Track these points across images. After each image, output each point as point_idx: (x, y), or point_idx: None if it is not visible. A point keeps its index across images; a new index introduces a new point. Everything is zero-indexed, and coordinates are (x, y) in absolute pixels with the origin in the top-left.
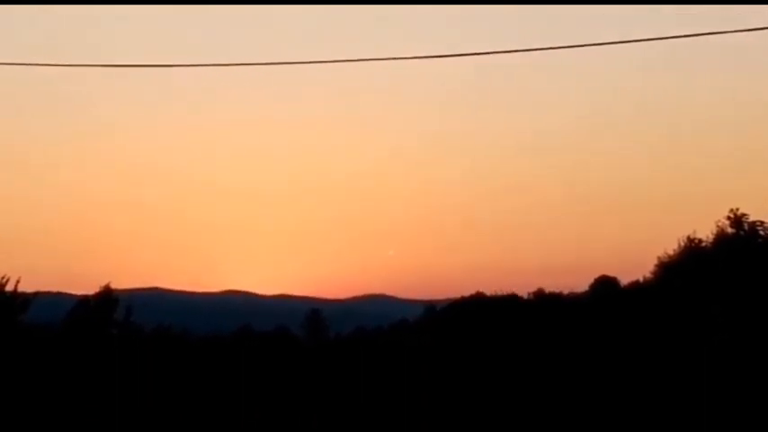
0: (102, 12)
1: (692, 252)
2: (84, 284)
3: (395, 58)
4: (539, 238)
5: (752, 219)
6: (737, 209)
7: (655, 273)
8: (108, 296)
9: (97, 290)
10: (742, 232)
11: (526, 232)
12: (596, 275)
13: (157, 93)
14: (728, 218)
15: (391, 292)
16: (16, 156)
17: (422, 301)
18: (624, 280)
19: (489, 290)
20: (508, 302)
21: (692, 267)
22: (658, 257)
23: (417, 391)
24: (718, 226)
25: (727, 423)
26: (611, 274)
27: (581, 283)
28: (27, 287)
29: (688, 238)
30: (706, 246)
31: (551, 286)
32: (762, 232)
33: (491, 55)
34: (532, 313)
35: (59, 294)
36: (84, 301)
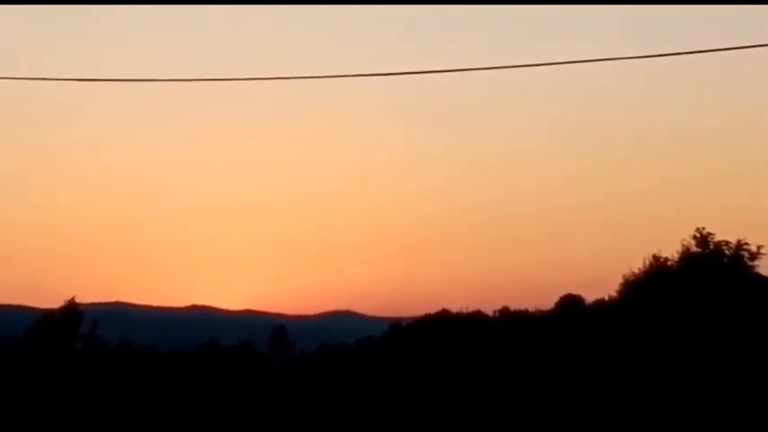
0: (79, 24)
1: (657, 271)
2: (48, 298)
3: (361, 75)
4: (504, 255)
5: (717, 238)
6: (703, 228)
7: (620, 291)
8: (73, 310)
9: (62, 303)
10: (707, 251)
11: (492, 250)
12: (562, 293)
13: (126, 107)
14: (694, 237)
15: (357, 308)
16: None
17: (387, 319)
18: (589, 298)
19: (455, 307)
20: (473, 320)
21: (657, 286)
22: (623, 276)
23: (382, 408)
24: (683, 245)
25: None
26: (576, 292)
27: (546, 301)
28: None
29: (653, 256)
30: (671, 264)
31: (517, 304)
32: (727, 251)
33: (460, 72)
34: (498, 331)
35: (22, 308)
36: (48, 314)
